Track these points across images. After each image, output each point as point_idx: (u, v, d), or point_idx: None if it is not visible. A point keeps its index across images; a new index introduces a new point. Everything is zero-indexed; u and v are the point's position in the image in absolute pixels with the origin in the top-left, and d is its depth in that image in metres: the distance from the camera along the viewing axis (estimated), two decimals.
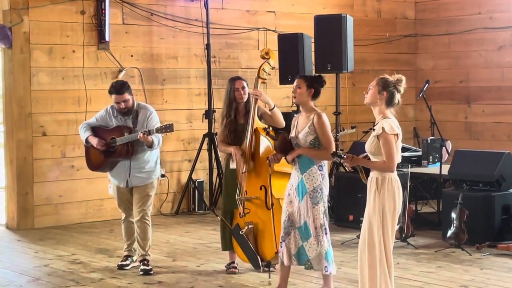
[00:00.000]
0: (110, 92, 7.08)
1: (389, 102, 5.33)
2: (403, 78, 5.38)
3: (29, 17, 9.24)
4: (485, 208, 8.00)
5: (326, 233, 6.08)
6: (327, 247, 6.07)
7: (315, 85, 6.14)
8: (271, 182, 6.49)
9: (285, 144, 6.15)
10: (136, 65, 10.03)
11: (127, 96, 7.04)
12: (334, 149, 6.03)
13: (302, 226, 6.07)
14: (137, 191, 7.15)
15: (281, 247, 6.16)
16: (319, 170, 6.08)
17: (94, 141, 7.08)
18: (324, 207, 6.09)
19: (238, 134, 6.85)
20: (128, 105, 7.07)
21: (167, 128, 6.85)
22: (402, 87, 5.35)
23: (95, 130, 7.19)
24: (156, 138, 7.00)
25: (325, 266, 6.07)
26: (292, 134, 6.20)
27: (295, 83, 6.18)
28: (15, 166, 9.22)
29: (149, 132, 6.86)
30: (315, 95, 6.16)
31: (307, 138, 6.05)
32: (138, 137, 6.85)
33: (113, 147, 7.03)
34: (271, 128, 6.45)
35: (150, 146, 6.98)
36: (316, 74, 6.36)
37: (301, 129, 6.12)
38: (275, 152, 6.28)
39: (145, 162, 7.12)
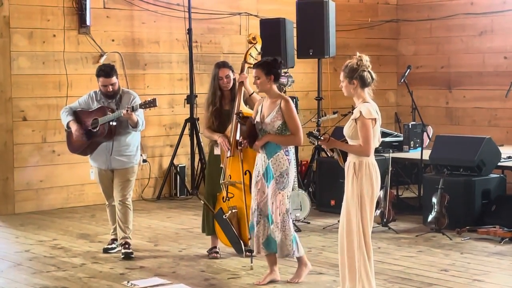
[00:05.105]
0: (98, 75, 7.00)
1: (363, 85, 5.34)
2: (363, 56, 5.34)
3: (9, 1, 9.15)
4: (465, 193, 8.05)
5: (290, 218, 6.07)
6: (293, 232, 6.08)
7: (273, 71, 6.12)
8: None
9: (252, 130, 6.12)
10: (118, 49, 9.97)
11: (115, 79, 7.02)
12: (301, 135, 6.04)
13: (270, 213, 6.07)
14: (118, 174, 7.13)
15: (252, 236, 6.15)
16: (286, 155, 6.06)
17: (73, 127, 7.03)
18: (289, 192, 6.08)
19: (223, 120, 6.81)
20: (115, 89, 7.04)
21: (150, 103, 6.82)
22: (367, 64, 5.33)
23: (77, 113, 7.14)
24: (141, 118, 6.98)
25: (293, 251, 6.06)
26: (257, 119, 6.15)
27: (254, 74, 6.15)
28: None
29: (133, 108, 6.83)
30: (276, 79, 6.16)
31: (275, 124, 6.03)
32: (123, 114, 6.80)
33: (96, 127, 6.98)
34: (241, 114, 6.40)
35: (135, 125, 6.94)
36: (271, 58, 6.28)
37: (267, 114, 6.09)
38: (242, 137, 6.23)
39: (126, 145, 7.09)
